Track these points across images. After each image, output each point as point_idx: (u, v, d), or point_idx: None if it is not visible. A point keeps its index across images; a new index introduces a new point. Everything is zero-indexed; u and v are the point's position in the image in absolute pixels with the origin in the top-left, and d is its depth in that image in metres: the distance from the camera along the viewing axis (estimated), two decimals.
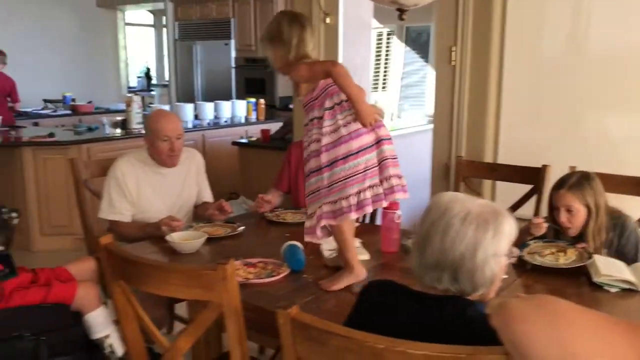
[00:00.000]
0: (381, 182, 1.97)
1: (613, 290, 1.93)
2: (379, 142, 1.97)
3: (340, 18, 3.78)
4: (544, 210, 2.67)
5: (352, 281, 1.97)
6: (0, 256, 2.01)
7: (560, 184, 2.29)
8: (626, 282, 1.93)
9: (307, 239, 2.02)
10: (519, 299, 1.00)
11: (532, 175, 2.83)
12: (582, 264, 2.06)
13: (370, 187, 1.94)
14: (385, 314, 1.32)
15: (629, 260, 2.18)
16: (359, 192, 1.92)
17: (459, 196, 1.31)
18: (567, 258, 2.14)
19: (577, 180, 2.25)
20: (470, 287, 1.26)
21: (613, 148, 2.98)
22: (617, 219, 2.28)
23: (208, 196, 2.95)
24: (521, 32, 3.16)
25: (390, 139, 2.00)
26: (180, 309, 2.85)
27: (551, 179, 2.75)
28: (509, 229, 1.27)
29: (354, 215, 1.93)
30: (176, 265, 1.70)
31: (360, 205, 1.92)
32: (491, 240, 1.24)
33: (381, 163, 1.97)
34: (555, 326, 0.89)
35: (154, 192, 2.75)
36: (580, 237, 2.27)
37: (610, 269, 1.98)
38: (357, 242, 2.36)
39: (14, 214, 2.15)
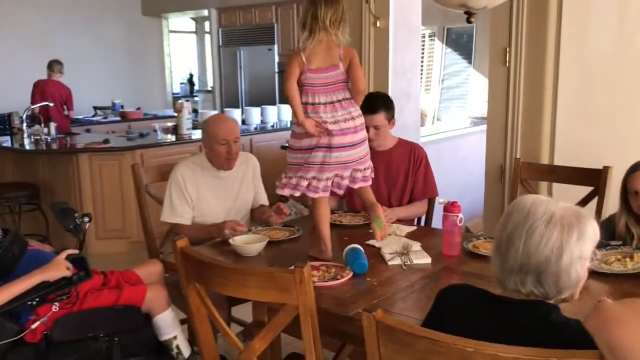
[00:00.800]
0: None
1: None
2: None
3: (390, 22, 3.79)
4: (606, 212, 2.64)
5: (316, 255, 2.28)
6: (76, 259, 2.08)
7: (635, 167, 2.31)
8: None
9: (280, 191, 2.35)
10: (614, 303, 1.00)
11: (593, 177, 2.78)
12: None
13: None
14: (467, 318, 1.31)
15: None
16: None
17: (541, 198, 1.30)
18: (634, 263, 2.10)
19: None
20: (554, 290, 1.25)
21: None
22: None
23: (264, 199, 3.00)
24: (575, 32, 3.12)
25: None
26: (236, 312, 2.90)
27: (613, 181, 2.71)
28: (593, 231, 1.26)
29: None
30: (254, 268, 1.74)
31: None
32: (576, 243, 1.23)
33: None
34: None
35: (213, 195, 2.81)
36: None
37: None
38: (417, 246, 2.38)
39: (86, 219, 2.23)
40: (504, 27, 3.24)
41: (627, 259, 2.13)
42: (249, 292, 1.57)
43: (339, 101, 2.23)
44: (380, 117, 2.91)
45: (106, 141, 5.08)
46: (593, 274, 2.07)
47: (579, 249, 1.23)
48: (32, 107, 5.85)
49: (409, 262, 2.22)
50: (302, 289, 1.48)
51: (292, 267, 1.51)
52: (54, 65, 6.57)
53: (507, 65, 3.26)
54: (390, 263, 2.23)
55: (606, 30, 3.08)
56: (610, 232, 2.34)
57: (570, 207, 1.28)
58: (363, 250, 2.21)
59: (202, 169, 2.82)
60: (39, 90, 6.42)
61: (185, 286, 1.74)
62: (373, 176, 2.40)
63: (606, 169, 2.73)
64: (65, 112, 6.57)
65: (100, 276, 2.26)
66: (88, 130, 6.78)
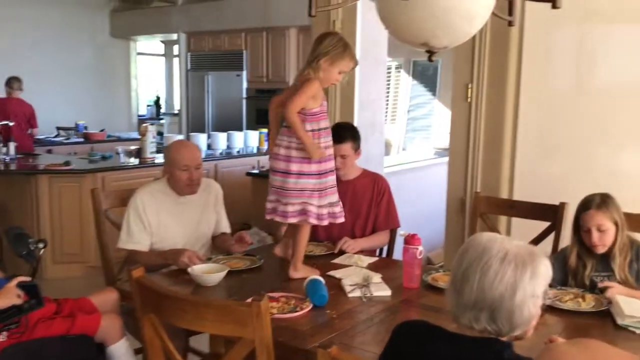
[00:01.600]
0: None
1: (638, 331, 1.93)
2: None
3: (357, 54, 3.84)
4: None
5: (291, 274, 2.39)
6: (28, 286, 2.03)
7: (586, 205, 2.35)
8: None
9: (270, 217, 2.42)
10: (564, 343, 1.02)
11: (550, 213, 2.84)
12: (605, 308, 2.09)
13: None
14: (422, 354, 1.32)
15: None
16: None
17: (496, 236, 1.33)
18: (587, 303, 2.16)
19: (601, 200, 2.33)
20: (508, 327, 1.26)
21: (627, 184, 3.00)
22: (633, 242, 2.36)
23: (225, 227, 2.98)
24: (535, 71, 3.22)
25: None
26: (194, 341, 2.85)
27: (569, 216, 2.78)
28: (545, 270, 1.29)
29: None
30: (211, 300, 1.72)
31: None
32: (529, 281, 1.25)
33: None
34: None
35: (173, 221, 2.78)
36: (608, 254, 2.33)
37: (634, 310, 1.98)
38: (377, 278, 2.39)
39: (41, 245, 2.18)
40: (467, 64, 3.33)
41: (580, 300, 2.18)
42: (205, 324, 1.55)
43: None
44: (347, 147, 2.94)
45: (67, 163, 4.99)
46: (550, 308, 2.12)
47: (532, 287, 1.26)
48: None
49: (369, 295, 2.22)
50: (259, 323, 1.47)
51: (250, 300, 1.49)
52: (12, 82, 6.39)
53: (469, 100, 3.34)
54: (350, 295, 2.23)
55: (564, 69, 3.19)
56: (562, 264, 2.39)
57: (524, 246, 1.31)
58: (324, 282, 2.21)
59: (163, 194, 2.79)
60: (0, 109, 6.28)
61: (141, 317, 1.71)
62: None
63: (562, 205, 2.80)
64: (29, 131, 6.43)
65: (53, 304, 2.20)
66: (49, 151, 6.64)
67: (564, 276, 2.38)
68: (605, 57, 3.09)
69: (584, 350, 0.97)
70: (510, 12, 1.88)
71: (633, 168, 3.07)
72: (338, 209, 2.43)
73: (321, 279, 2.22)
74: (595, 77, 3.15)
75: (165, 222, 2.76)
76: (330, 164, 2.41)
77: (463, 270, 1.29)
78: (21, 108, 6.38)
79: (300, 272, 2.40)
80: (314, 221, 2.35)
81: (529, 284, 1.25)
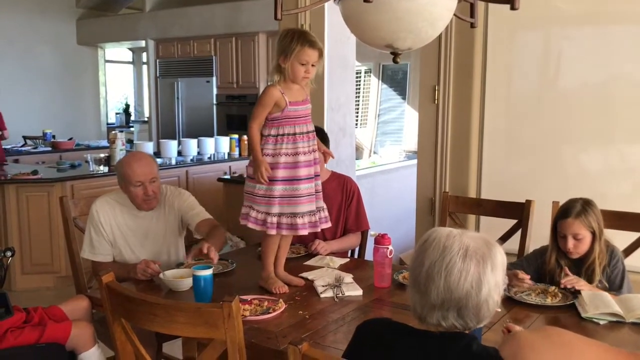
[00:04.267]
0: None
1: (602, 322, 1.99)
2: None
3: (325, 59, 3.87)
4: (531, 245, 2.76)
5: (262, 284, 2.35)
6: None
7: (566, 212, 2.34)
8: (613, 314, 2.00)
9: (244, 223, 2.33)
10: (528, 331, 1.06)
11: (516, 210, 2.91)
12: (571, 302, 2.14)
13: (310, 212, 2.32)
14: (386, 350, 1.34)
15: (615, 287, 2.29)
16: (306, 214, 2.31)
17: (453, 232, 1.33)
18: (553, 298, 2.20)
19: (581, 208, 2.32)
20: (475, 321, 1.28)
21: (592, 182, 3.08)
22: (607, 246, 2.37)
23: (203, 215, 2.78)
24: (500, 73, 3.29)
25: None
26: (168, 348, 2.83)
27: (535, 214, 2.85)
28: (502, 258, 1.32)
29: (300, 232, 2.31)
30: (181, 303, 1.72)
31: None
32: (491, 274, 1.28)
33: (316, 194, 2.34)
34: (563, 355, 0.95)
35: (131, 233, 2.67)
36: (583, 260, 2.34)
37: (597, 304, 2.04)
38: (349, 278, 2.41)
39: (8, 253, 2.15)
40: (433, 66, 3.39)
41: (547, 294, 2.23)
42: (176, 327, 1.55)
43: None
44: None
45: (35, 172, 4.91)
46: (517, 303, 2.17)
47: (494, 279, 1.28)
48: None
49: (340, 295, 2.25)
50: (230, 324, 1.48)
51: (221, 302, 1.50)
52: None
53: (436, 102, 3.40)
54: (322, 295, 2.25)
55: (530, 71, 3.26)
56: (538, 264, 2.42)
57: (480, 237, 1.32)
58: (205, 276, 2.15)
59: (121, 205, 2.67)
60: None
61: (111, 322, 1.70)
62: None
63: (528, 202, 2.87)
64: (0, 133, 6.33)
65: (23, 313, 2.17)
66: (17, 161, 6.52)
67: (538, 276, 2.38)
68: (568, 58, 3.17)
69: (547, 336, 1.01)
70: (472, 14, 1.92)
71: (596, 166, 3.15)
72: (314, 217, 2.33)
73: (204, 273, 2.15)
74: (559, 78, 3.23)
75: (125, 235, 2.67)
76: (303, 171, 2.29)
77: (426, 270, 1.29)
78: None
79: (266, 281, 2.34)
80: (272, 231, 2.27)
81: (491, 277, 1.27)
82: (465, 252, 1.27)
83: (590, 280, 2.29)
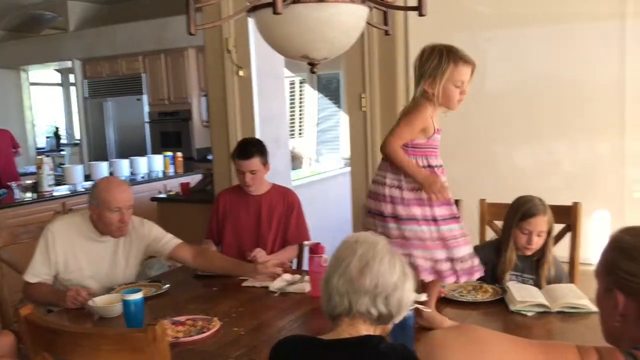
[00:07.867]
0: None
1: (530, 314, 2.06)
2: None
3: (253, 70, 3.87)
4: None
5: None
6: None
7: (531, 211, 2.33)
8: (540, 305, 2.07)
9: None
10: (441, 330, 1.08)
11: None
12: (499, 297, 2.21)
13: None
14: None
15: (563, 275, 2.41)
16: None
17: (375, 235, 1.46)
18: (484, 294, 2.27)
19: (543, 206, 2.35)
20: (396, 310, 1.36)
21: (522, 179, 3.16)
22: None
23: (175, 240, 2.73)
24: None
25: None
26: None
27: (468, 212, 2.91)
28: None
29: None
30: (104, 330, 1.66)
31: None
32: (409, 275, 1.40)
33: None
34: (474, 351, 0.97)
35: (85, 259, 2.59)
36: (534, 256, 2.40)
37: (524, 296, 2.12)
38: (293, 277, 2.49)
39: None
40: (358, 75, 3.43)
41: (479, 291, 2.30)
42: (101, 355, 1.49)
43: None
44: (255, 162, 2.94)
45: None
46: (449, 301, 2.22)
47: (410, 282, 1.40)
48: None
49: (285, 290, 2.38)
50: (155, 348, 1.43)
51: (145, 326, 1.46)
52: None
53: (364, 110, 3.44)
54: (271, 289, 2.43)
55: None
56: (495, 260, 2.42)
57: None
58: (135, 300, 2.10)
59: (79, 228, 2.60)
60: None
61: (33, 357, 1.62)
62: None
63: (458, 201, 2.92)
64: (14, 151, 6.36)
65: None
66: None
67: (492, 274, 2.37)
68: (492, 59, 3.24)
69: (460, 334, 1.03)
70: (386, 22, 1.96)
71: (525, 163, 3.24)
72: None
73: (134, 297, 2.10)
74: (485, 78, 3.30)
75: (78, 261, 2.58)
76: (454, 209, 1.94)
77: (359, 256, 1.35)
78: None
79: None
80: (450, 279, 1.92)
81: (410, 278, 1.39)
82: (389, 249, 1.40)
83: (541, 273, 2.36)
